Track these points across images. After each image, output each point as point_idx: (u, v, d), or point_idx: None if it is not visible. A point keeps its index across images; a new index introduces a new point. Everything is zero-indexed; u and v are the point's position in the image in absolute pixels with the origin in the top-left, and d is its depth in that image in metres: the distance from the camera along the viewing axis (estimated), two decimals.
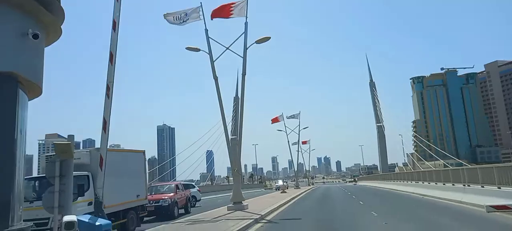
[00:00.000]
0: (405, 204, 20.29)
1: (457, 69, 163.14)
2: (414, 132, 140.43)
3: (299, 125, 60.54)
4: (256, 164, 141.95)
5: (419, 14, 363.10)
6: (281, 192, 37.59)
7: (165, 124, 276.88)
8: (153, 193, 19.27)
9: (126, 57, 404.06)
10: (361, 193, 35.09)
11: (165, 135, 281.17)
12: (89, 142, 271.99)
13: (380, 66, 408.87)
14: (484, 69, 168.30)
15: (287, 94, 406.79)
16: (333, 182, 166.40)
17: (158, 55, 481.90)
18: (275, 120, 53.77)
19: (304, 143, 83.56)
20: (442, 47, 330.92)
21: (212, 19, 19.91)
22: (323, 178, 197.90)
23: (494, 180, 14.46)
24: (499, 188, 13.79)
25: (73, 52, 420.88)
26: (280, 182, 61.30)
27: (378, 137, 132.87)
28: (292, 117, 58.95)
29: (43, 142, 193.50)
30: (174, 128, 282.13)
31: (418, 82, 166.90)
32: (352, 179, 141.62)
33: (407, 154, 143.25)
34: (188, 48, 20.72)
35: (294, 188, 53.11)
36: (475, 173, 16.73)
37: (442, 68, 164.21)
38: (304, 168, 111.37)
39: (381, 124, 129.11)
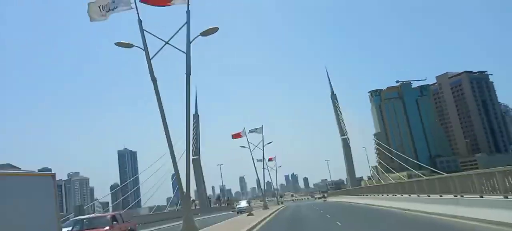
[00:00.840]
0: (387, 222, 18.90)
1: (411, 82, 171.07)
2: (376, 144, 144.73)
3: (262, 140, 56.28)
4: (223, 185, 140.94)
5: (370, 27, 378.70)
6: (248, 215, 34.68)
7: (126, 148, 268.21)
8: (84, 229, 15.89)
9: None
10: (333, 210, 33.36)
11: (127, 159, 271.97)
12: (45, 171, 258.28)
13: (337, 82, 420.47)
14: (436, 81, 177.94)
15: (249, 110, 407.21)
16: (302, 199, 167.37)
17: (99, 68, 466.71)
18: (236, 136, 52.04)
19: (270, 159, 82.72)
20: (396, 60, 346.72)
21: (141, 2, 16.24)
22: (292, 195, 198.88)
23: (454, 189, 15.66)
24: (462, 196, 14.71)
25: None
26: (243, 203, 54.23)
27: (343, 150, 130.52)
28: (254, 130, 54.98)
29: None
30: (136, 152, 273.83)
31: (376, 95, 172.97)
32: (321, 195, 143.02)
33: (371, 166, 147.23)
34: (118, 44, 17.36)
35: (262, 209, 50.36)
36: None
37: (397, 81, 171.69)
38: (272, 186, 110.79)
39: (345, 136, 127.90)
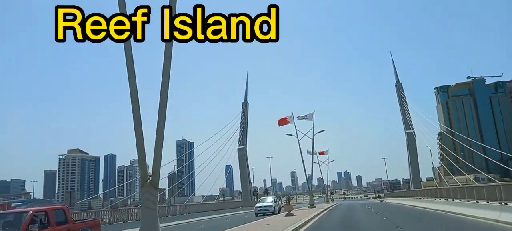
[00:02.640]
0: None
1: (485, 78, 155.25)
2: (440, 144, 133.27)
3: (313, 128, 48.69)
4: (274, 179, 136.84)
5: (440, 22, 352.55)
6: (286, 215, 27.16)
7: (184, 139, 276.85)
8: None
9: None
10: (394, 215, 26.33)
11: (185, 149, 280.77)
12: (110, 158, 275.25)
13: (401, 75, 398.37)
14: None
15: (303, 99, 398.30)
16: (354, 197, 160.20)
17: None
18: (283, 121, 45.80)
19: (321, 153, 76.93)
20: (467, 56, 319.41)
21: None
22: (344, 193, 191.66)
23: None
24: None
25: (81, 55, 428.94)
26: (268, 200, 37.24)
27: (407, 146, 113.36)
28: (304, 117, 47.86)
29: (64, 157, 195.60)
30: (193, 142, 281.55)
31: (443, 92, 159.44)
32: (377, 195, 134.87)
33: (433, 168, 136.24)
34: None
35: (308, 207, 43.36)
36: None
37: (468, 77, 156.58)
38: (324, 183, 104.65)
39: (411, 130, 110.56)
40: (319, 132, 49.52)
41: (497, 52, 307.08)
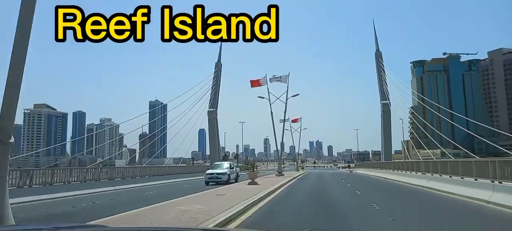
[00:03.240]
0: (422, 201, 17.07)
1: (460, 55, 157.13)
2: (411, 117, 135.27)
3: (287, 91, 45.30)
4: (247, 145, 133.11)
5: None
6: (249, 184, 24.45)
7: (157, 100, 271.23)
8: None
9: None
10: (374, 191, 23.26)
11: (157, 111, 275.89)
12: (79, 115, 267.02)
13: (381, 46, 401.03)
14: (487, 57, 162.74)
15: (277, 64, 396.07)
16: (324, 166, 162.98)
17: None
18: (255, 83, 42.63)
19: (294, 121, 75.37)
20: (445, 32, 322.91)
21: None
22: (314, 162, 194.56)
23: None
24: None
25: None
26: (224, 167, 32.51)
27: (382, 117, 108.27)
28: (278, 79, 43.49)
29: (29, 111, 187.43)
30: (166, 104, 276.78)
31: (418, 66, 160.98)
32: (346, 165, 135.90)
33: (402, 141, 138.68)
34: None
35: (276, 175, 41.65)
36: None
37: (444, 53, 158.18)
38: (295, 151, 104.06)
39: (387, 101, 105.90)
40: (292, 96, 46.15)
41: (475, 31, 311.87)
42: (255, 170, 30.08)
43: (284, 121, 49.83)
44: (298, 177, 41.95)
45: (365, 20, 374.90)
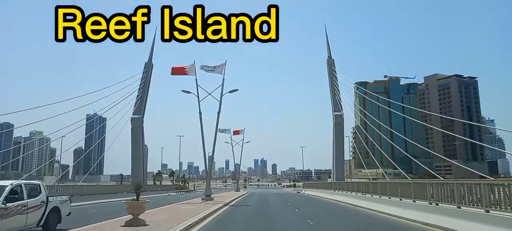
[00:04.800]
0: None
1: (400, 78, 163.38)
2: (353, 138, 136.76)
3: (222, 84, 35.25)
4: (189, 162, 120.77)
5: (365, 21, 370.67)
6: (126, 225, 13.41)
7: (96, 113, 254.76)
8: None
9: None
10: (333, 221, 18.59)
11: (95, 124, 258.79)
12: (6, 126, 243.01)
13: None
14: (424, 81, 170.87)
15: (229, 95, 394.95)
16: (268, 185, 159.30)
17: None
18: (179, 71, 33.01)
19: (236, 133, 70.91)
20: (387, 55, 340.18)
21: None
22: (258, 180, 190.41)
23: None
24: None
25: None
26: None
27: (334, 130, 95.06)
28: (211, 70, 33.02)
29: None
30: (105, 118, 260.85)
31: (361, 87, 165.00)
32: (292, 184, 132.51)
33: (347, 160, 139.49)
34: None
35: (202, 199, 31.60)
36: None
37: (385, 76, 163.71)
38: (234, 165, 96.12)
39: (340, 112, 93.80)
40: (230, 91, 33.58)
41: (414, 55, 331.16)
42: (190, 188, 26.15)
43: (217, 121, 34.12)
44: (233, 201, 33.90)
45: (316, 28, 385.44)
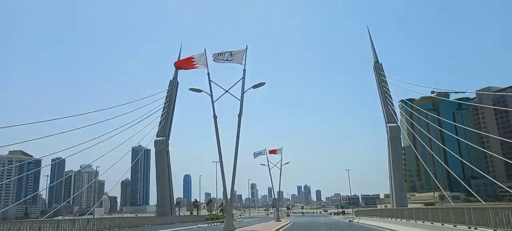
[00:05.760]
0: None
1: (449, 93, 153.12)
2: (403, 160, 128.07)
3: (243, 77, 25.56)
4: (216, 191, 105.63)
5: (405, 34, 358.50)
6: None
7: (140, 145, 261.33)
8: None
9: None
10: None
11: (140, 157, 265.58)
12: (58, 162, 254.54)
13: (367, 89, 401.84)
14: (475, 96, 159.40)
15: (268, 119, 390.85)
16: (314, 212, 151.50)
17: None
18: (185, 64, 27.65)
19: (272, 151, 66.73)
20: (434, 70, 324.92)
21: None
22: (302, 207, 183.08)
23: None
24: None
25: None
26: None
27: (390, 146, 78.25)
28: (227, 59, 25.52)
29: None
30: (150, 150, 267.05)
31: (407, 105, 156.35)
32: (340, 210, 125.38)
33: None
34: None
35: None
36: None
37: (432, 92, 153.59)
38: (273, 192, 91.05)
39: (395, 123, 79.04)
40: (254, 86, 26.03)
41: (459, 68, 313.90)
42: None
43: (237, 134, 25.50)
44: None
45: (355, 40, 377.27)
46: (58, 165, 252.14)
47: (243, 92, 25.06)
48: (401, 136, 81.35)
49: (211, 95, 25.06)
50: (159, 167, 68.03)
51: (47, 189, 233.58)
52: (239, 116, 24.66)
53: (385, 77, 77.59)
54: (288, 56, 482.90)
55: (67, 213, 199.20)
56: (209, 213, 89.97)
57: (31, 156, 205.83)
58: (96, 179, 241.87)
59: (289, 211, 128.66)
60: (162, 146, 67.53)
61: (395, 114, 76.86)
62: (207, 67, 25.74)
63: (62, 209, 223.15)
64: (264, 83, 25.68)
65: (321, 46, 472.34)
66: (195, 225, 50.02)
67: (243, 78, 25.03)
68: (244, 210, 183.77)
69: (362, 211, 68.83)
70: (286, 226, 42.62)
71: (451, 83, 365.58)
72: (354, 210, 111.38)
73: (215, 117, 24.89)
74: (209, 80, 25.25)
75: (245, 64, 25.07)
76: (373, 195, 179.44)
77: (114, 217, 50.26)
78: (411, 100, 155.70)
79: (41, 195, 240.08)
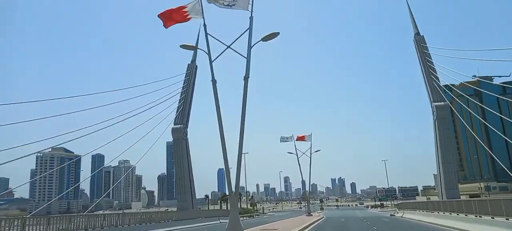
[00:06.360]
0: None
1: (493, 77, 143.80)
2: (456, 142, 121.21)
3: (251, 22, 24.83)
4: (246, 183, 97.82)
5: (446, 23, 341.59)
6: None
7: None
8: None
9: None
10: None
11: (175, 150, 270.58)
12: (98, 157, 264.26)
13: (402, 75, 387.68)
14: None
15: (298, 112, 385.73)
16: (349, 206, 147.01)
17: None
18: (170, 17, 24.03)
19: (300, 138, 63.03)
20: (474, 53, 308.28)
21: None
22: (337, 200, 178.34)
23: None
24: None
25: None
26: None
27: (436, 127, 69.32)
28: (228, 3, 22.53)
29: (41, 155, 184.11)
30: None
31: (446, 91, 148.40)
32: (379, 203, 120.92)
33: (434, 175, 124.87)
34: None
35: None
36: None
37: (474, 76, 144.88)
38: (303, 182, 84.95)
39: (444, 102, 69.60)
40: (264, 39, 20.22)
41: (504, 52, 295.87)
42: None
43: (243, 101, 19.97)
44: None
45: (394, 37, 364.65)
46: (98, 160, 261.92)
47: (250, 46, 19.43)
48: (451, 116, 72.03)
49: (209, 53, 19.42)
50: (177, 157, 62.63)
51: (89, 183, 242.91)
52: (246, 78, 19.19)
53: (427, 50, 70.06)
54: (317, 37, 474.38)
55: (107, 207, 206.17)
56: (228, 208, 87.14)
57: (72, 152, 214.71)
58: (129, 170, 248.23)
59: (322, 204, 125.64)
60: (179, 134, 61.82)
61: (442, 91, 68.78)
62: (203, 17, 19.83)
63: (103, 203, 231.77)
64: (278, 33, 19.58)
65: (354, 26, 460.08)
66: (217, 221, 47.74)
67: (250, 28, 19.44)
68: (276, 204, 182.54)
69: (405, 204, 60.69)
70: (316, 223, 36.73)
71: (494, 67, 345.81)
72: (393, 202, 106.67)
73: (214, 81, 19.45)
74: (206, 34, 19.58)
75: (252, 10, 19.38)
76: (411, 187, 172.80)
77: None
78: (451, 86, 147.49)
79: (84, 190, 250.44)
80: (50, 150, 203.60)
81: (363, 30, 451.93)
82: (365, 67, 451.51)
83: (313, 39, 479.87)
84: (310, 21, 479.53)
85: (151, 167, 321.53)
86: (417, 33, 73.98)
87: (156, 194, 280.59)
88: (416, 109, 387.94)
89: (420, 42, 71.07)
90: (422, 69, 70.42)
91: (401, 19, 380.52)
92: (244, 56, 19.51)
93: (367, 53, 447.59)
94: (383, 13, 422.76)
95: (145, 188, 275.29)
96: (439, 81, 67.94)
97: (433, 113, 68.32)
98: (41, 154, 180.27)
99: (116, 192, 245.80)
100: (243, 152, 20.08)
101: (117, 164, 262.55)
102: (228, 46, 20.12)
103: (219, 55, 20.03)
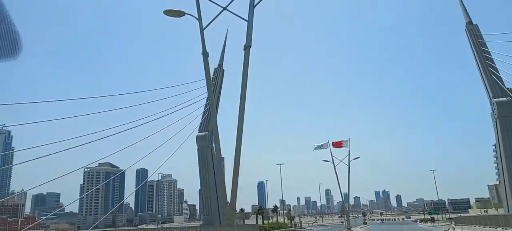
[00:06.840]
0: None
1: None
2: (495, 157, 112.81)
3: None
4: (282, 195, 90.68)
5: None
6: None
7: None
8: None
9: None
10: None
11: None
12: (142, 172, 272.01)
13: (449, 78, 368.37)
14: None
15: (337, 121, 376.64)
16: (394, 219, 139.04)
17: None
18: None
19: (337, 145, 59.47)
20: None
21: None
22: (381, 214, 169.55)
23: None
24: None
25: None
26: None
27: (497, 127, 58.11)
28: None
29: (88, 170, 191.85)
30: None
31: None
32: (429, 217, 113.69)
33: (488, 186, 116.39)
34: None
35: None
36: None
37: None
38: (341, 194, 79.54)
39: (506, 97, 57.30)
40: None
41: None
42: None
43: (244, 72, 17.87)
44: None
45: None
46: (142, 175, 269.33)
47: (252, 6, 15.99)
48: None
49: (200, 19, 16.27)
50: (202, 166, 57.32)
51: (134, 197, 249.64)
52: (246, 47, 15.82)
53: (482, 38, 61.57)
54: (355, 38, 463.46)
55: (150, 221, 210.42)
56: (264, 222, 79.34)
57: (117, 167, 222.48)
58: (174, 181, 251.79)
59: (365, 218, 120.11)
60: (205, 142, 56.78)
61: (503, 84, 59.12)
62: None
63: (146, 216, 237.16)
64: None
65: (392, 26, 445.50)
66: None
67: None
68: (317, 218, 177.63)
69: (462, 218, 54.43)
70: None
71: None
72: (444, 216, 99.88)
73: (205, 53, 16.59)
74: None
75: None
76: (462, 199, 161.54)
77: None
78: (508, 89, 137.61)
79: (129, 203, 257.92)
80: (97, 164, 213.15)
81: (413, 30, 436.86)
82: (409, 68, 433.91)
83: (351, 40, 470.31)
84: (348, 22, 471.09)
85: (192, 181, 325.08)
86: (470, 22, 64.82)
87: (197, 207, 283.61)
88: (465, 113, 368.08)
89: (473, 31, 61.95)
90: (477, 63, 60.36)
91: (445, 8, 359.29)
92: (245, 19, 15.98)
93: (411, 54, 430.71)
94: (428, 5, 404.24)
95: (187, 202, 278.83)
96: (498, 73, 58.39)
97: (493, 112, 58.34)
98: (88, 169, 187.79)
99: (159, 206, 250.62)
100: (280, 163, 18.15)
101: (160, 178, 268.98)
102: (224, 8, 17.27)
103: (214, 19, 16.99)
